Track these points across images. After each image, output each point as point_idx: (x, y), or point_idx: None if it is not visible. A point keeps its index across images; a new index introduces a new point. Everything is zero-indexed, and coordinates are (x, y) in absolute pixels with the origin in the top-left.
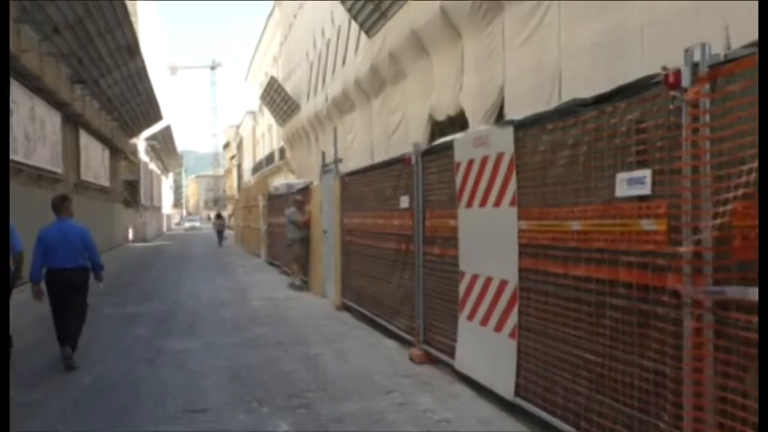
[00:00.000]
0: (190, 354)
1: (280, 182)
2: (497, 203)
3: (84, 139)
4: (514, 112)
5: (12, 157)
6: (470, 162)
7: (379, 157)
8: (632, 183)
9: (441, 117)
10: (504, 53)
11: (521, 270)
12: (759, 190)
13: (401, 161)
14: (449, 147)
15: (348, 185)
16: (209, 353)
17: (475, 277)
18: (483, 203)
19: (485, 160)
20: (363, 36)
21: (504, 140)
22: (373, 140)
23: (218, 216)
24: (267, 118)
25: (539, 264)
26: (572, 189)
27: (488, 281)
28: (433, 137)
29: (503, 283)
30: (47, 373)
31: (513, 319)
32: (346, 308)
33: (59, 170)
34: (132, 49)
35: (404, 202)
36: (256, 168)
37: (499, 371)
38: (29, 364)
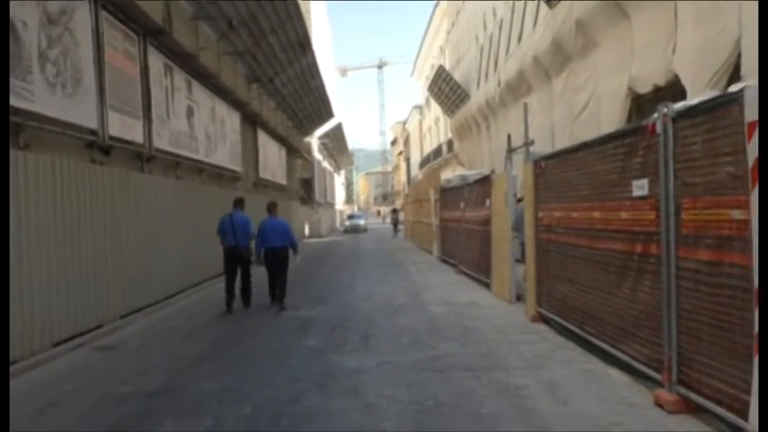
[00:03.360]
0: (365, 376)
1: (449, 174)
2: None
3: (263, 138)
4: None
5: (193, 155)
6: None
7: (562, 142)
8: None
9: (645, 89)
10: None
11: None
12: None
13: (634, 133)
14: (729, 101)
15: (545, 171)
16: (387, 377)
17: None
18: None
19: None
20: (543, 8)
21: None
22: (554, 124)
23: (394, 211)
24: (434, 111)
25: None
26: None
27: None
28: (630, 115)
29: None
30: (207, 398)
31: None
32: (544, 319)
33: (239, 168)
34: (304, 43)
35: (639, 188)
36: (423, 162)
37: None
38: (194, 382)
